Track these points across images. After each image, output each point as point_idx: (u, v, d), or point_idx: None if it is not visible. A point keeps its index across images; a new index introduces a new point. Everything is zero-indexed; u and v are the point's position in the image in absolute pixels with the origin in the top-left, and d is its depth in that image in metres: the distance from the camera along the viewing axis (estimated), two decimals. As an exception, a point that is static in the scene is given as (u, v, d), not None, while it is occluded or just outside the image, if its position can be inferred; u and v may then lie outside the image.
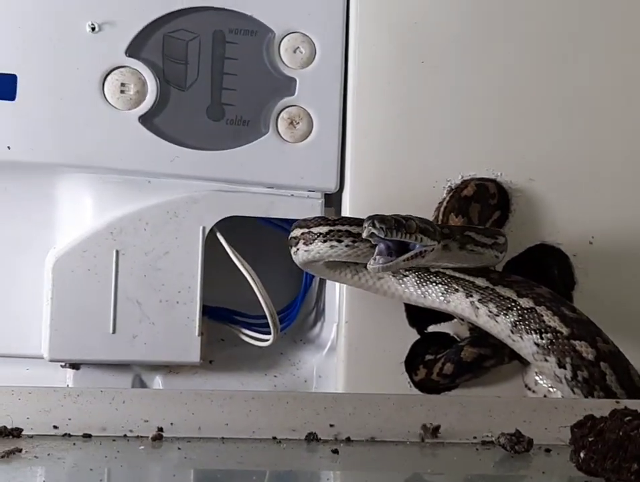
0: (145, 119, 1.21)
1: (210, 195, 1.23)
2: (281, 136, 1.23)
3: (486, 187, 1.22)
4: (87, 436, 1.01)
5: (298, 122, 1.23)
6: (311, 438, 1.00)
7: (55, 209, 1.24)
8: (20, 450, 0.95)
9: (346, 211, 1.24)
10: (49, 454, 0.94)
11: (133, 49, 1.20)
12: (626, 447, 0.84)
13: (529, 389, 1.24)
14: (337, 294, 1.27)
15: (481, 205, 1.21)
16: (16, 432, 1.00)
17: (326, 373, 1.28)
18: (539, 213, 1.24)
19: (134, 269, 1.22)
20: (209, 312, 1.26)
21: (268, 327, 1.24)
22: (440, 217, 1.21)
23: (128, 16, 1.20)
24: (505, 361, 1.24)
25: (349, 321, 1.24)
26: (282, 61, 1.22)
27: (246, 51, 1.22)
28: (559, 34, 1.24)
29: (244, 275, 1.24)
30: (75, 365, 1.24)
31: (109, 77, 1.20)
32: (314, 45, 1.22)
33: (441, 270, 1.17)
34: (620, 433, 0.85)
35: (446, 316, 1.25)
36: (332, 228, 1.14)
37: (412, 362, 1.24)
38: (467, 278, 1.16)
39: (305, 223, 1.16)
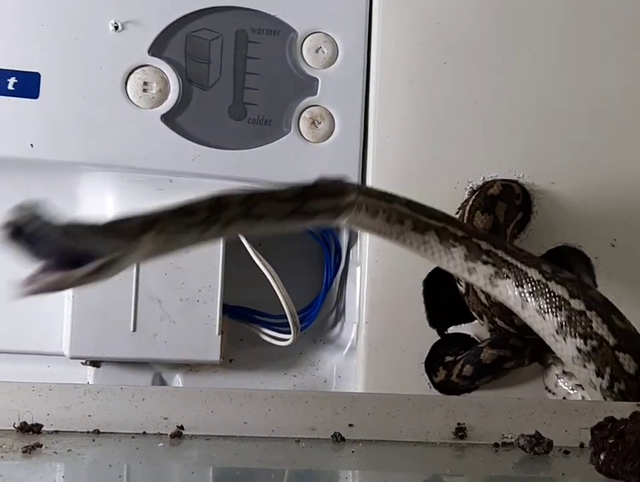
0: (167, 118, 1.21)
1: (231, 194, 1.23)
2: (303, 136, 1.23)
3: (511, 188, 1.22)
4: (106, 432, 1.01)
5: (320, 122, 1.23)
6: (337, 438, 0.99)
7: (77, 207, 1.24)
8: (40, 446, 0.95)
9: (367, 212, 1.24)
10: (69, 450, 0.94)
11: (156, 48, 1.20)
12: (647, 450, 0.84)
13: (550, 391, 1.23)
14: (357, 294, 1.27)
15: (507, 205, 1.21)
16: (36, 428, 1.01)
17: (346, 373, 1.28)
18: (561, 215, 1.24)
19: (155, 267, 1.22)
20: (229, 311, 1.26)
21: (288, 326, 1.24)
22: (466, 215, 1.20)
23: (152, 15, 1.20)
24: (525, 363, 1.23)
25: (369, 322, 1.23)
26: (305, 61, 1.23)
27: (269, 50, 1.22)
28: (583, 36, 1.23)
29: (264, 274, 1.24)
30: (95, 363, 1.25)
31: (132, 76, 1.20)
32: (336, 45, 1.22)
33: (492, 248, 1.10)
34: (641, 435, 0.84)
35: (466, 318, 1.24)
36: None
37: (432, 363, 1.24)
38: (520, 266, 1.10)
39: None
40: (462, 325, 1.25)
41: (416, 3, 1.23)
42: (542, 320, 1.12)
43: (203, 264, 1.23)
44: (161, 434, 1.01)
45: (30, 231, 0.81)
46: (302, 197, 1.00)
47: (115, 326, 1.21)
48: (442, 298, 1.23)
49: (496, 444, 1.01)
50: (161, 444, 0.98)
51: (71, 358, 1.22)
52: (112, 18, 1.19)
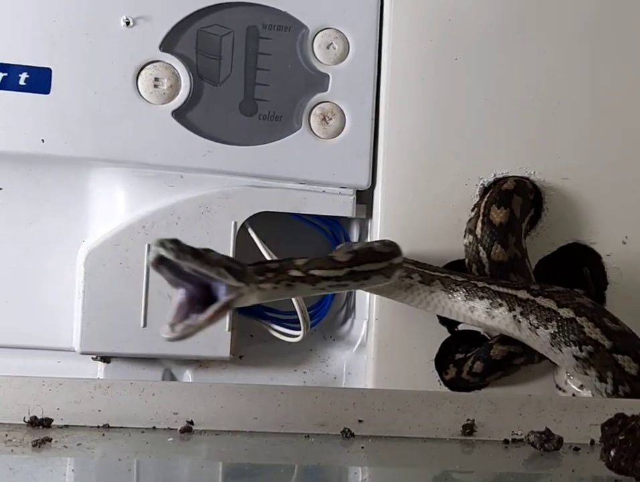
0: (178, 114, 1.21)
1: (242, 190, 1.23)
2: (314, 132, 1.23)
3: (524, 182, 1.22)
4: (116, 427, 1.01)
5: (331, 118, 1.23)
6: (346, 433, 0.99)
7: (88, 202, 1.25)
8: (50, 440, 0.95)
9: (377, 208, 1.24)
10: (78, 445, 0.94)
11: (167, 44, 1.21)
12: (658, 446, 0.83)
13: (560, 388, 1.23)
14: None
15: (523, 199, 1.21)
16: (46, 422, 1.01)
17: (355, 370, 1.28)
18: (572, 212, 1.23)
19: (165, 263, 1.22)
20: (239, 307, 1.26)
21: (298, 323, 1.24)
22: (482, 210, 1.20)
23: (163, 11, 1.20)
24: (535, 359, 1.23)
25: (379, 318, 1.23)
26: (316, 57, 1.22)
27: (280, 46, 1.22)
28: (596, 31, 1.23)
29: (274, 271, 1.23)
30: (106, 359, 1.25)
31: (143, 72, 1.20)
32: (347, 41, 1.22)
33: (487, 285, 1.15)
34: (652, 432, 0.84)
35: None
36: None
37: (442, 361, 1.24)
38: (510, 291, 1.14)
39: None
40: (473, 321, 1.24)
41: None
42: (536, 337, 1.13)
43: (213, 260, 1.22)
44: (171, 429, 1.02)
45: (171, 262, 0.91)
46: (357, 260, 1.08)
47: (125, 322, 1.21)
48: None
49: (506, 441, 1.01)
50: (171, 438, 0.98)
51: (82, 353, 1.22)
52: (123, 14, 1.20)
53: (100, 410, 1.03)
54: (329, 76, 1.23)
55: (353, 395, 1.04)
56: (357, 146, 1.23)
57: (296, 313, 1.24)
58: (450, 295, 1.16)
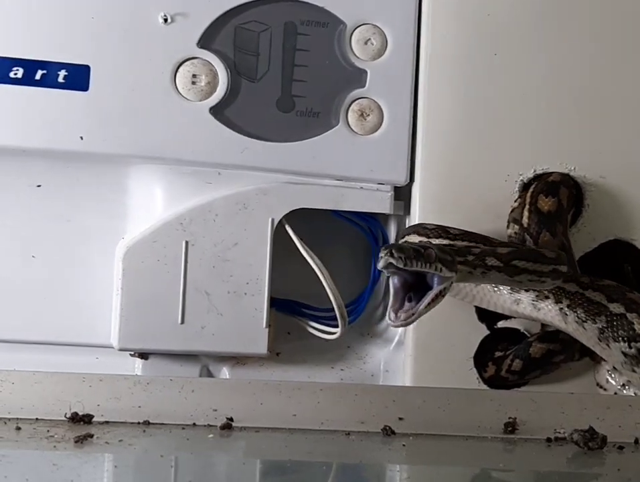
0: (216, 110, 1.21)
1: (279, 186, 1.23)
2: (351, 128, 1.22)
3: (569, 177, 1.21)
4: (156, 423, 1.02)
5: (369, 114, 1.22)
6: (387, 431, 0.99)
7: (126, 199, 1.25)
8: (91, 436, 0.96)
9: (415, 205, 1.23)
10: (120, 441, 0.94)
11: (205, 41, 1.20)
12: None
13: (601, 387, 1.21)
14: (405, 287, 1.26)
15: (569, 191, 1.20)
16: (87, 419, 1.01)
17: (393, 367, 1.27)
18: (613, 209, 1.22)
19: (203, 260, 1.22)
20: (276, 304, 1.26)
21: (336, 320, 1.24)
22: (528, 200, 1.19)
23: (201, 7, 1.20)
24: (575, 357, 1.22)
25: (417, 315, 1.22)
26: (353, 53, 1.22)
27: (317, 42, 1.21)
28: (637, 28, 1.21)
29: (311, 267, 1.23)
30: (144, 355, 1.25)
31: (181, 69, 1.20)
32: (385, 36, 1.22)
33: None
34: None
35: (516, 312, 1.23)
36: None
37: (481, 358, 1.23)
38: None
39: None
40: (512, 319, 1.23)
41: (466, -6, 1.22)
42: (583, 331, 1.12)
43: (250, 256, 1.22)
44: (211, 425, 1.02)
45: (398, 264, 0.99)
46: (560, 260, 1.11)
47: (163, 318, 1.21)
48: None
49: (548, 439, 1.00)
50: (211, 435, 0.98)
51: (120, 350, 1.22)
52: (161, 10, 1.20)
53: (140, 407, 1.03)
54: (366, 72, 1.22)
55: (393, 392, 1.04)
56: (394, 142, 1.22)
57: (333, 310, 1.24)
58: (495, 287, 1.14)
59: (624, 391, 1.19)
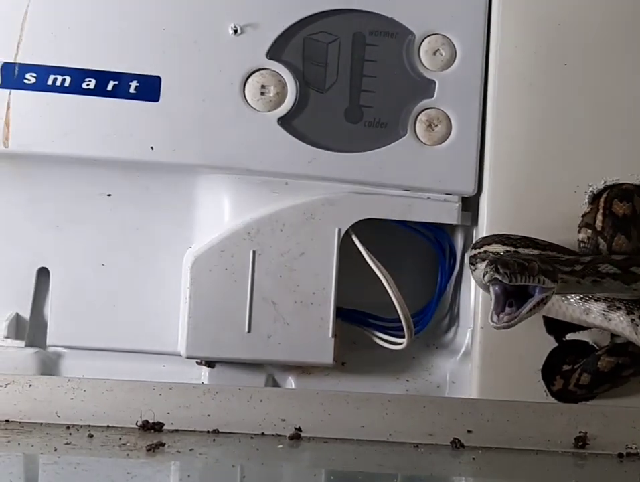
0: (284, 121, 1.22)
1: (347, 197, 1.23)
2: (419, 139, 1.22)
3: None
4: (225, 432, 1.02)
5: (437, 125, 1.22)
6: (456, 444, 0.99)
7: (194, 208, 1.26)
8: (163, 444, 0.96)
9: (483, 216, 1.23)
10: (191, 449, 0.95)
11: (274, 52, 1.21)
12: None
13: (672, 401, 1.20)
14: (471, 298, 1.25)
15: None
16: (158, 427, 1.02)
17: (459, 379, 1.26)
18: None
19: (270, 269, 1.23)
20: (342, 314, 1.26)
21: (401, 330, 1.23)
22: (602, 204, 1.18)
23: (270, 19, 1.21)
24: (645, 370, 1.20)
25: (484, 327, 1.22)
26: (422, 63, 1.22)
27: (386, 53, 1.21)
28: None
29: (377, 277, 1.23)
30: (210, 363, 1.26)
31: (250, 79, 1.21)
32: (454, 47, 1.21)
33: None
34: None
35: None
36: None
37: (549, 371, 1.22)
38: None
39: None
40: (581, 331, 1.22)
41: (536, 3, 1.21)
42: None
43: (317, 266, 1.23)
44: (279, 435, 1.02)
45: (504, 279, 1.02)
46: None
47: (230, 327, 1.22)
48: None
49: (620, 455, 0.99)
50: (281, 445, 0.98)
51: (188, 358, 1.23)
52: (231, 22, 1.21)
53: (209, 415, 1.04)
54: (435, 82, 1.22)
55: (462, 405, 1.04)
56: (463, 153, 1.22)
57: (399, 320, 1.23)
58: (563, 297, 1.14)
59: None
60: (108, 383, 1.06)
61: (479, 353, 1.22)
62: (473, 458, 0.96)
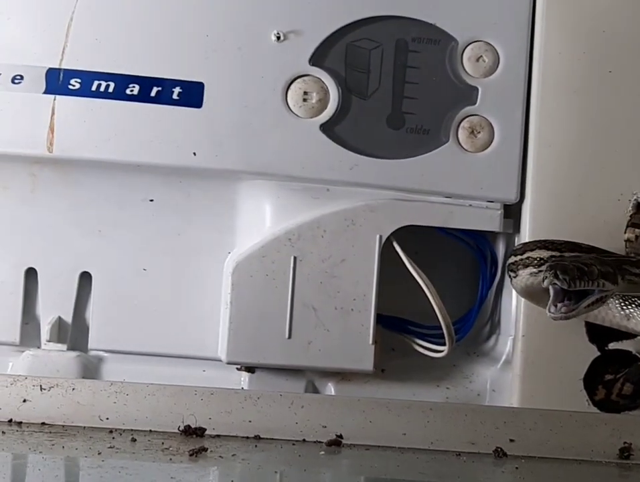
0: (326, 127, 1.22)
1: (388, 203, 1.23)
2: (461, 146, 1.22)
3: None
4: (267, 439, 1.02)
5: (480, 132, 1.21)
6: (498, 453, 0.98)
7: (236, 214, 1.26)
8: (205, 450, 0.97)
9: (526, 223, 1.22)
10: (233, 455, 0.95)
11: (317, 58, 1.21)
12: None
13: None
14: (513, 306, 1.25)
15: None
16: (200, 432, 1.03)
17: (500, 387, 1.26)
18: None
19: (310, 275, 1.23)
20: (382, 320, 1.25)
21: (442, 337, 1.23)
22: None
23: (313, 25, 1.21)
24: (689, 381, 1.19)
25: (526, 335, 1.21)
26: (465, 70, 1.21)
27: (428, 59, 1.21)
28: None
29: (418, 284, 1.23)
30: (250, 369, 1.26)
31: (292, 86, 1.21)
32: (497, 53, 1.21)
33: None
34: None
35: (628, 333, 1.20)
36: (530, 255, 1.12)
37: (591, 381, 1.21)
38: None
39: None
40: (623, 341, 1.21)
41: (581, 10, 1.20)
42: None
43: (358, 273, 1.23)
44: (320, 442, 1.02)
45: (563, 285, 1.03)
46: None
47: (271, 333, 1.22)
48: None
49: (666, 466, 0.98)
50: (322, 452, 0.98)
51: (228, 363, 1.23)
52: (274, 28, 1.21)
53: (250, 421, 1.04)
54: (478, 89, 1.21)
55: (504, 413, 1.03)
56: (505, 160, 1.21)
57: (439, 328, 1.23)
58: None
59: None
60: (150, 388, 1.07)
61: (520, 362, 1.21)
62: (516, 468, 0.96)
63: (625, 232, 1.19)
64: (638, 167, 1.20)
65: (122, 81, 1.21)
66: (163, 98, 1.21)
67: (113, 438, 1.00)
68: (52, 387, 1.08)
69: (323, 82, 1.21)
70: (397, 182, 1.22)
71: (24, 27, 1.21)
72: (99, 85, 1.21)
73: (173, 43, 1.21)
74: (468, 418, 1.02)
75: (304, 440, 1.02)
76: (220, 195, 1.26)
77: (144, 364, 1.26)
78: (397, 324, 1.27)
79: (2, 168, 1.25)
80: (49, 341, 1.26)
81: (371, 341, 1.23)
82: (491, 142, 1.21)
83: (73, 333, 1.27)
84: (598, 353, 1.21)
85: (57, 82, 1.21)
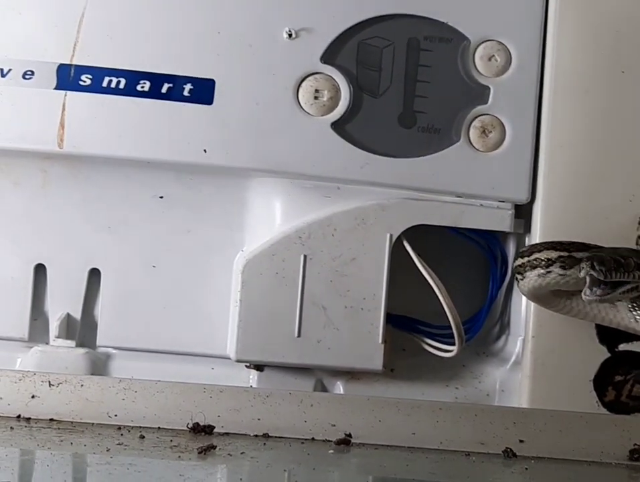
0: (337, 125, 1.21)
1: (399, 202, 1.22)
2: (472, 145, 1.21)
3: None
4: (275, 437, 1.02)
5: (491, 131, 1.21)
6: (508, 453, 0.98)
7: (246, 212, 1.26)
8: (214, 447, 0.97)
9: (537, 224, 1.21)
10: (242, 453, 0.95)
11: (328, 56, 1.21)
12: None
13: None
14: (523, 307, 1.24)
15: None
16: (208, 429, 1.03)
17: (509, 387, 1.25)
18: None
19: (320, 274, 1.22)
20: (392, 320, 1.25)
21: (451, 337, 1.23)
22: None
23: (325, 23, 1.21)
24: (701, 383, 1.18)
25: (535, 336, 1.21)
26: (477, 69, 1.21)
27: (440, 58, 1.21)
28: None
29: (428, 284, 1.22)
30: (259, 367, 1.26)
31: (304, 84, 1.21)
32: (510, 53, 1.20)
33: None
34: None
35: (639, 335, 1.20)
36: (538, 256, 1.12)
37: (601, 382, 1.20)
38: None
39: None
40: (634, 342, 1.21)
41: (594, 10, 1.20)
42: None
43: (368, 272, 1.22)
44: (329, 440, 1.02)
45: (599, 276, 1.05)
46: None
47: (280, 331, 1.22)
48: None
49: (676, 468, 0.98)
50: (332, 451, 0.98)
51: (237, 361, 1.23)
52: (286, 26, 1.21)
53: (259, 419, 1.04)
54: (489, 88, 1.21)
55: (514, 414, 1.03)
56: (517, 160, 1.21)
57: (449, 327, 1.23)
58: (612, 304, 1.13)
59: None
60: (159, 385, 1.06)
61: (530, 362, 1.21)
62: (526, 468, 0.95)
63: (638, 229, 1.18)
64: (651, 168, 1.20)
65: (133, 77, 1.21)
66: (174, 95, 1.21)
67: (121, 434, 1.00)
68: (61, 383, 1.07)
69: (334, 80, 1.21)
70: (408, 181, 1.22)
71: (35, 22, 1.21)
72: (110, 81, 1.21)
73: (184, 39, 1.21)
74: (478, 418, 1.02)
75: (313, 438, 1.02)
76: (230, 193, 1.26)
77: (152, 361, 1.26)
78: (407, 323, 1.27)
79: (13, 164, 1.25)
80: (57, 338, 1.26)
81: (380, 340, 1.22)
82: (503, 141, 1.21)
83: (82, 330, 1.27)
84: (608, 355, 1.21)
85: (68, 77, 1.21)
